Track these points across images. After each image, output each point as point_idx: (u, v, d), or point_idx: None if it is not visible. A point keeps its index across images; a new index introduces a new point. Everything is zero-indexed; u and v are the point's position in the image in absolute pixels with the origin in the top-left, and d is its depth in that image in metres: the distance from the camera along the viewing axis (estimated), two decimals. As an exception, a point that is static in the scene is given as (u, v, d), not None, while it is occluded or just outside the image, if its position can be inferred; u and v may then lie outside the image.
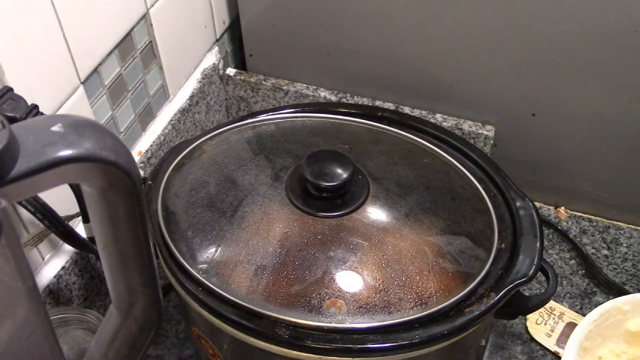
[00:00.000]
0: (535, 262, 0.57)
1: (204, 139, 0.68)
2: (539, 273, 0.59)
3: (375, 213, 0.70)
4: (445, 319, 0.53)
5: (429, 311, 0.62)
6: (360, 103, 0.92)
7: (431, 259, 0.71)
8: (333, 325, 0.54)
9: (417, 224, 0.75)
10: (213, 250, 0.73)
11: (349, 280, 0.62)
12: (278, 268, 0.70)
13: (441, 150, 0.69)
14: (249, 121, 0.71)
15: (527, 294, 0.70)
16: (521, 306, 0.60)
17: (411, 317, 0.55)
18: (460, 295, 0.59)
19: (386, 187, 0.67)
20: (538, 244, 0.59)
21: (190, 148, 0.67)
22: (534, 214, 0.61)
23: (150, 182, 0.64)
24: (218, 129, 0.70)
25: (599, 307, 0.67)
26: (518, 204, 0.62)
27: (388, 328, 0.53)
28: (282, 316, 0.53)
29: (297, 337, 0.52)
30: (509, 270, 0.57)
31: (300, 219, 0.61)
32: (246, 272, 0.72)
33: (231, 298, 0.55)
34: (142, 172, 0.72)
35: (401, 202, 0.76)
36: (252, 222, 0.62)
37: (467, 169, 0.66)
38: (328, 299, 0.62)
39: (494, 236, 0.61)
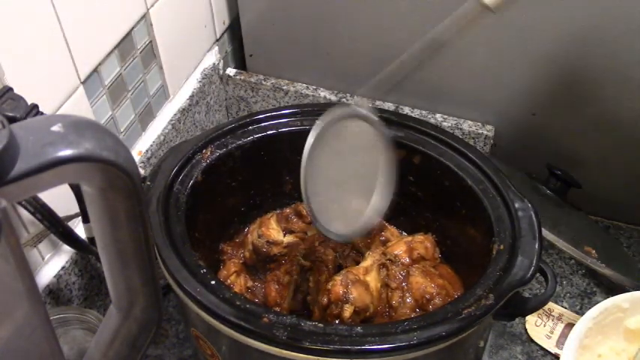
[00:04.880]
0: (534, 264, 0.57)
1: (204, 140, 0.68)
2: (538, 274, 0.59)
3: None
4: (443, 321, 0.53)
5: (427, 313, 0.61)
6: (360, 103, 0.92)
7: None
8: (331, 326, 0.53)
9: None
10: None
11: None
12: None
13: (440, 151, 0.69)
14: (248, 121, 0.71)
15: (527, 294, 0.70)
16: (520, 307, 0.60)
17: (409, 319, 0.55)
18: (458, 296, 0.58)
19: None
20: (537, 246, 0.59)
21: (190, 148, 0.67)
22: (533, 215, 0.61)
23: (149, 182, 0.64)
24: (218, 130, 0.70)
25: (599, 305, 0.67)
26: (517, 205, 0.62)
27: (386, 329, 0.53)
28: (280, 317, 0.53)
29: (295, 339, 0.51)
30: (508, 272, 0.57)
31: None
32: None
33: (229, 299, 0.54)
34: (142, 172, 0.72)
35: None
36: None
37: (465, 171, 0.66)
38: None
39: (493, 237, 0.61)
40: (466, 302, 0.55)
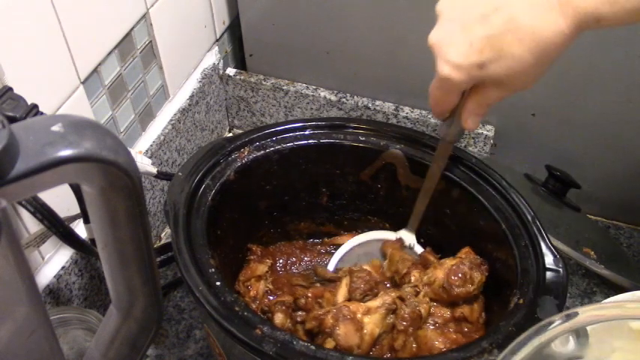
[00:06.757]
0: None
1: (243, 139, 0.68)
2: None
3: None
4: None
5: (426, 356, 0.58)
6: (359, 103, 0.92)
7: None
8: (322, 350, 0.52)
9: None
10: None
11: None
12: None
13: (480, 188, 0.66)
14: (290, 127, 0.70)
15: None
16: None
17: (405, 358, 0.53)
18: (462, 345, 0.55)
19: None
20: (558, 308, 0.55)
21: (227, 145, 0.67)
22: (562, 273, 0.57)
23: (180, 174, 0.63)
24: (259, 131, 0.69)
25: (624, 294, 0.62)
26: (547, 260, 0.58)
27: None
28: (273, 332, 0.52)
29: (283, 356, 0.50)
30: (522, 330, 0.50)
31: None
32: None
33: (229, 303, 0.54)
34: (154, 169, 0.72)
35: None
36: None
37: (502, 213, 0.63)
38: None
39: (515, 290, 0.57)
40: (468, 353, 0.51)
